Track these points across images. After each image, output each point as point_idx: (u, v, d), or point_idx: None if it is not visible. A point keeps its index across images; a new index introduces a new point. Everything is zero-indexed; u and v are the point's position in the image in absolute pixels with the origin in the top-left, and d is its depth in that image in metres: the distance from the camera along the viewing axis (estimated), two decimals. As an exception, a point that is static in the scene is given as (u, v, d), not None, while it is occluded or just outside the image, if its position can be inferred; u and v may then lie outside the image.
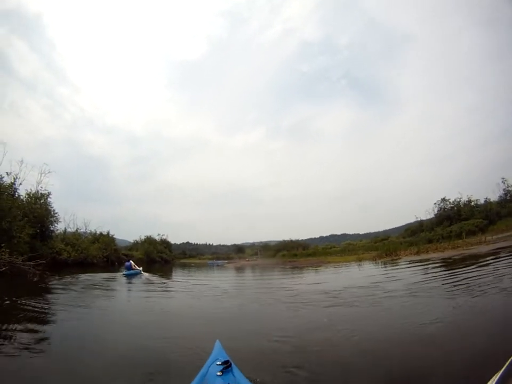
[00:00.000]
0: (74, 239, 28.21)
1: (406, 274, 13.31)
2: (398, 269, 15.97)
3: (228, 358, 2.45)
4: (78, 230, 31.03)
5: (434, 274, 11.93)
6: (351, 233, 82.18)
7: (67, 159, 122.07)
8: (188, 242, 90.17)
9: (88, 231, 33.27)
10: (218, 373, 2.23)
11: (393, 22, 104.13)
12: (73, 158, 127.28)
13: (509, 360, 1.29)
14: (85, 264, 26.43)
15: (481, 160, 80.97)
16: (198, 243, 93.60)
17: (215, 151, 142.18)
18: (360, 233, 78.47)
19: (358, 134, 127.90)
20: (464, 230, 27.38)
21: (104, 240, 33.24)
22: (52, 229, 24.97)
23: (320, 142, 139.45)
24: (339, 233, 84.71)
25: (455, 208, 33.45)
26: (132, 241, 54.39)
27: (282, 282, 15.20)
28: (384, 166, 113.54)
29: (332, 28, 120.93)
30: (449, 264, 14.47)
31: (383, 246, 30.48)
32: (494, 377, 1.31)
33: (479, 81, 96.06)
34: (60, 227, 28.33)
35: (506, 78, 74.33)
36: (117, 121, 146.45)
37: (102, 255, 30.97)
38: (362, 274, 16.14)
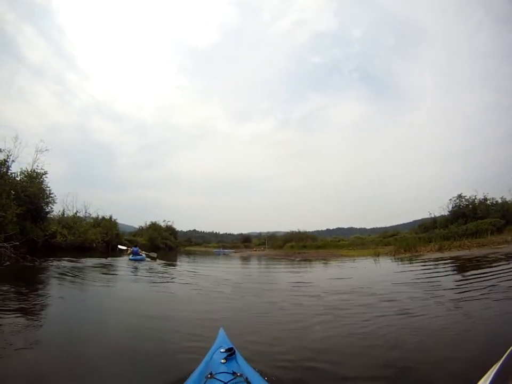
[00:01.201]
0: (72, 222, 26.42)
1: (444, 271, 11.08)
2: (430, 265, 13.51)
3: (231, 346, 2.30)
4: (77, 213, 29.05)
5: (485, 273, 9.56)
6: (357, 227, 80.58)
7: (75, 145, 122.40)
8: (194, 230, 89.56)
9: (88, 214, 31.30)
10: (222, 360, 2.16)
11: (408, 16, 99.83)
12: (81, 144, 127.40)
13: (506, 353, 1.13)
14: (83, 249, 24.72)
15: (494, 159, 77.57)
16: (205, 231, 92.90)
17: (223, 140, 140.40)
18: (367, 227, 76.84)
19: (366, 128, 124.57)
20: (481, 229, 25.54)
21: (105, 225, 31.45)
22: (47, 210, 23.09)
23: (329, 133, 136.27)
24: (346, 226, 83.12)
25: (471, 206, 31.57)
26: (137, 227, 53.65)
27: (301, 276, 13.11)
28: (393, 161, 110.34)
29: (345, 20, 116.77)
30: (488, 262, 12.17)
31: (399, 241, 27.91)
32: (491, 370, 1.17)
33: (496, 80, 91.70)
34: (57, 209, 26.63)
35: None
36: (126, 108, 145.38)
37: (102, 239, 29.20)
38: (391, 269, 13.86)
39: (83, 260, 15.91)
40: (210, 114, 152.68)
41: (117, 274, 12.56)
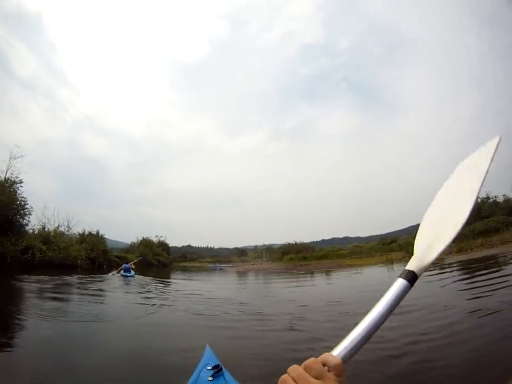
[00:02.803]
0: (53, 237, 23.24)
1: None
2: (463, 270, 10.88)
3: (218, 363, 2.17)
4: (59, 227, 25.70)
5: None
6: (353, 236, 78.43)
7: (67, 161, 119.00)
8: (189, 245, 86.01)
9: (67, 228, 27.49)
10: (209, 378, 2.04)
11: (395, 26, 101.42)
12: (72, 160, 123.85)
13: None
14: (64, 266, 21.53)
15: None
16: (200, 246, 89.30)
17: (215, 153, 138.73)
18: (362, 236, 74.62)
19: (359, 136, 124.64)
20: (490, 227, 24.43)
21: (91, 240, 28.21)
22: (22, 222, 20.07)
23: (321, 144, 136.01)
24: (341, 236, 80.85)
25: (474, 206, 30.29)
26: (129, 243, 50.50)
27: (331, 295, 9.26)
28: (387, 169, 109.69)
29: (332, 31, 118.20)
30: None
31: (407, 246, 25.36)
32: None
33: (486, 82, 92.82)
34: (34, 222, 23.48)
35: None
36: (117, 123, 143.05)
37: (87, 256, 25.95)
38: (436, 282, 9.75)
39: (54, 277, 12.97)
40: (201, 129, 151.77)
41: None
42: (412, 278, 0.68)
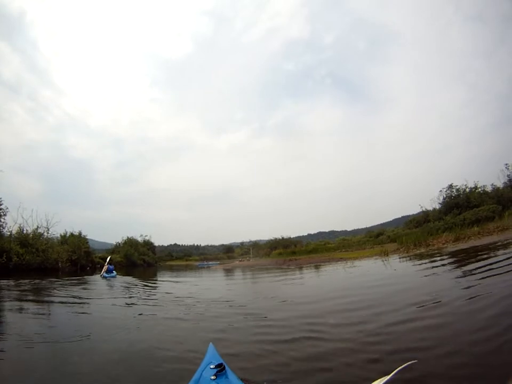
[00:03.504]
0: (32, 239, 21.84)
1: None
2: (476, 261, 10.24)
3: (221, 361, 2.19)
4: (38, 228, 24.11)
5: None
6: (339, 230, 78.82)
7: (51, 163, 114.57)
8: (175, 244, 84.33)
9: (46, 228, 25.53)
10: (212, 377, 2.04)
11: (380, 20, 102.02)
12: (57, 162, 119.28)
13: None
14: (43, 269, 20.27)
15: (476, 152, 79.26)
16: (186, 244, 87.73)
17: (200, 152, 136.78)
18: (348, 229, 75.14)
19: (343, 132, 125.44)
20: (480, 216, 23.97)
21: (73, 241, 26.80)
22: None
23: (306, 140, 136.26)
24: (327, 230, 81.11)
25: (462, 195, 30.17)
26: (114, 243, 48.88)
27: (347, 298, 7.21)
28: (372, 163, 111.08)
29: (316, 26, 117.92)
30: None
31: (401, 236, 25.17)
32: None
33: (470, 77, 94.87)
34: (10, 224, 21.98)
35: (497, 73, 72.91)
36: (100, 123, 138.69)
37: (69, 258, 24.61)
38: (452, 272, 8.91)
39: (23, 281, 11.88)
40: (186, 127, 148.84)
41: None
42: None
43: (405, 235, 25.43)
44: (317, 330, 4.44)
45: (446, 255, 13.01)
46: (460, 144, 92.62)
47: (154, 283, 15.51)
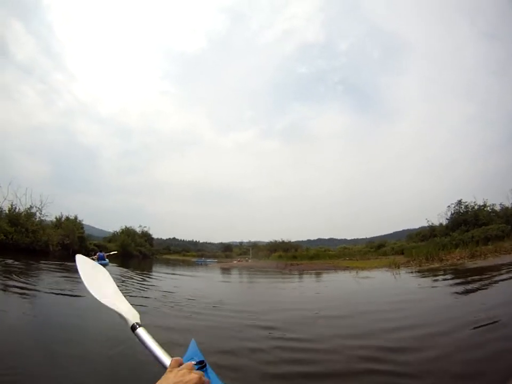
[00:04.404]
0: (24, 218, 20.58)
1: None
2: None
3: (203, 358, 1.46)
4: (31, 208, 22.80)
5: None
6: (338, 238, 77.19)
7: (59, 146, 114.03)
8: (174, 238, 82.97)
9: (38, 208, 24.13)
10: None
11: (394, 29, 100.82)
12: (64, 146, 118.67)
13: None
14: (31, 251, 18.95)
15: (482, 168, 77.64)
16: (185, 239, 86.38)
17: (207, 148, 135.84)
18: (348, 238, 73.54)
19: (352, 140, 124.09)
20: (489, 235, 23.01)
21: (67, 225, 25.54)
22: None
23: (313, 145, 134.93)
24: (326, 237, 79.54)
25: (470, 212, 29.43)
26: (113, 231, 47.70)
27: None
28: (376, 174, 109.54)
29: (332, 32, 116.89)
30: None
31: (410, 249, 23.58)
32: None
33: (479, 93, 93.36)
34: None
35: (507, 91, 71.33)
36: (110, 111, 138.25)
37: (61, 242, 23.33)
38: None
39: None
40: (194, 122, 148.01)
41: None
42: None
43: (413, 248, 24.00)
44: (375, 358, 3.07)
45: (469, 271, 11.58)
46: (466, 158, 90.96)
47: (149, 276, 14.18)
